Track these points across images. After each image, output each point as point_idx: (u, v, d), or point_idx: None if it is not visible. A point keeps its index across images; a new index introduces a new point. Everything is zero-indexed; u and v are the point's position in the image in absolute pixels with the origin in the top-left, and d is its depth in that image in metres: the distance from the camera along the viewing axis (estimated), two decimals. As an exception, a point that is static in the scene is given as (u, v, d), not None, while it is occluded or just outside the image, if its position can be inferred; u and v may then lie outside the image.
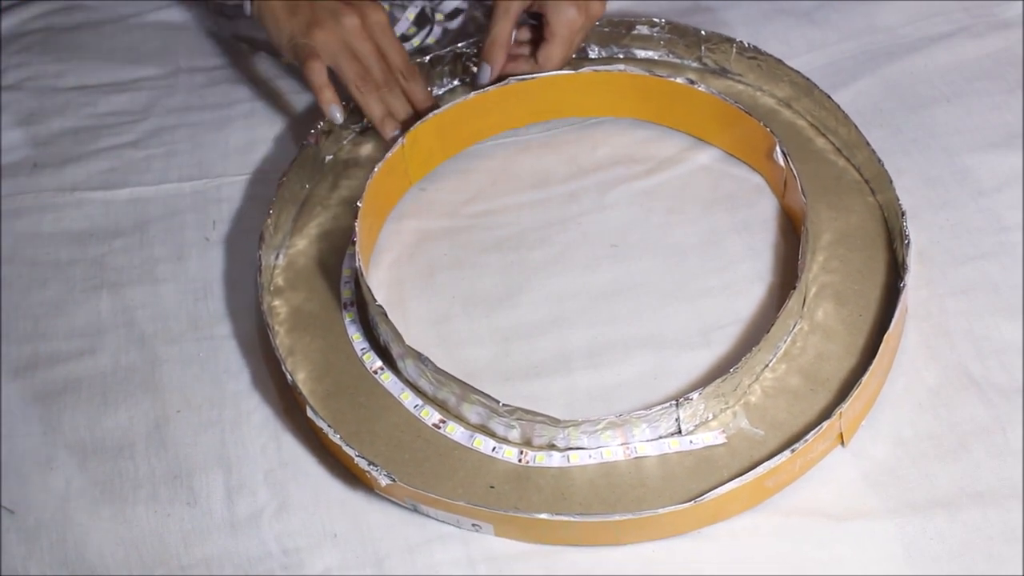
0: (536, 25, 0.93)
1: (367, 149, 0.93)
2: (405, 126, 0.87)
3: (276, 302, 0.82)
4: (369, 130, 0.93)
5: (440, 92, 0.97)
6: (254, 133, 0.96)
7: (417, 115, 0.88)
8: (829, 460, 0.71)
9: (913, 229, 0.79)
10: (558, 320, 0.80)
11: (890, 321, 0.73)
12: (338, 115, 0.87)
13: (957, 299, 0.78)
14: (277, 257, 0.85)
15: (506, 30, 0.90)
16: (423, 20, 1.00)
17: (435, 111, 0.87)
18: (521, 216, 0.87)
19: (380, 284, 0.83)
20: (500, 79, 0.90)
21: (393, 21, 0.97)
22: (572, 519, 0.66)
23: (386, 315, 0.74)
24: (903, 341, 0.76)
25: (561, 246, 0.85)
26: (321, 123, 0.89)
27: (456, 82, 0.97)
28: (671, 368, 0.76)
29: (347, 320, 0.80)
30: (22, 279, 0.86)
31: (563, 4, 0.88)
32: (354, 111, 0.92)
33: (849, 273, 0.80)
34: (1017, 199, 0.84)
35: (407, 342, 0.73)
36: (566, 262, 0.84)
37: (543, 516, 0.67)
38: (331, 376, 0.77)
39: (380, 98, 0.88)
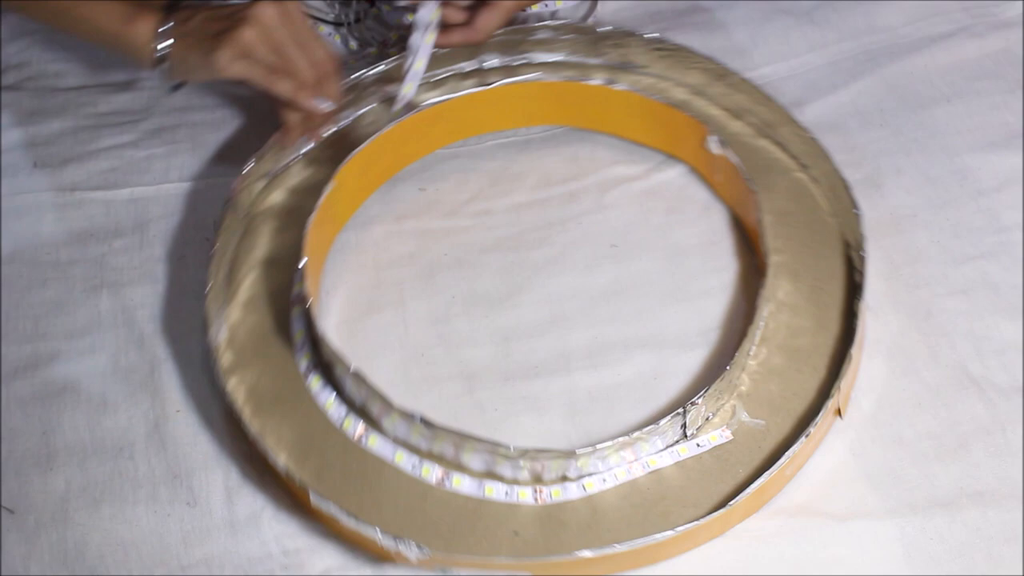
0: None
1: (275, 198, 0.87)
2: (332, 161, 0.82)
3: (231, 383, 0.75)
4: (276, 177, 0.88)
5: (359, 113, 0.92)
6: (255, 132, 0.96)
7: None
8: (830, 460, 0.71)
9: (913, 228, 0.79)
10: (558, 320, 0.80)
11: (853, 289, 0.74)
12: (323, 105, 0.80)
13: (957, 299, 0.78)
14: (218, 333, 0.77)
15: None
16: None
17: (358, 148, 0.83)
18: (521, 216, 0.87)
19: (379, 284, 0.83)
20: (411, 107, 0.86)
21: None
22: (615, 550, 0.64)
23: (362, 377, 0.69)
24: (903, 340, 0.76)
25: (561, 246, 0.85)
26: (247, 167, 0.84)
27: (374, 104, 0.92)
28: (671, 368, 0.77)
29: (314, 388, 0.74)
30: (22, 279, 0.86)
31: None
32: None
33: (797, 249, 0.80)
34: (1017, 199, 0.84)
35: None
36: (566, 262, 0.84)
37: (586, 554, 0.64)
38: (314, 454, 0.71)
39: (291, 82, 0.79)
